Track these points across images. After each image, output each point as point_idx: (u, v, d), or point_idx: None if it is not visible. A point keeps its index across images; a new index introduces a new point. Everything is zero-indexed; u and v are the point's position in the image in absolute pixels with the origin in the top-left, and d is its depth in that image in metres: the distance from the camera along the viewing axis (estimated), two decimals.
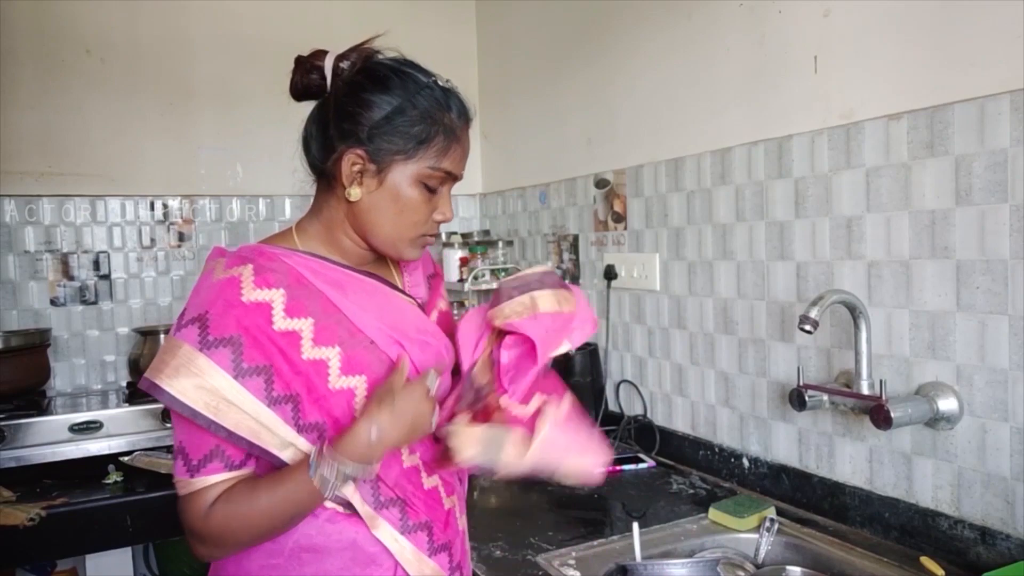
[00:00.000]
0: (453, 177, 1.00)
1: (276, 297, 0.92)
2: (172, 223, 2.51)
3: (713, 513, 1.49)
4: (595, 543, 1.42)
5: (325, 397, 0.93)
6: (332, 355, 0.94)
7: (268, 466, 0.94)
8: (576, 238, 2.33)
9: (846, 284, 1.44)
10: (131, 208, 2.45)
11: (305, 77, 1.01)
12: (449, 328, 1.12)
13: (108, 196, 2.42)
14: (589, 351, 2.13)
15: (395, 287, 1.07)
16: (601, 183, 2.18)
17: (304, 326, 0.93)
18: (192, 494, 0.90)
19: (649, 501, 1.66)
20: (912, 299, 1.33)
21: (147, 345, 2.31)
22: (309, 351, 0.93)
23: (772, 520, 1.39)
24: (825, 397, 1.40)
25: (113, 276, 2.44)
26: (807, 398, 1.39)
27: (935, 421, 1.29)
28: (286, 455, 0.91)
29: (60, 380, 2.37)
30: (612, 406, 2.14)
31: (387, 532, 0.97)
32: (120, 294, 2.45)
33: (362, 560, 0.97)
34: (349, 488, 0.93)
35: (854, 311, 1.33)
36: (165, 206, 2.50)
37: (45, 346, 2.21)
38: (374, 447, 0.89)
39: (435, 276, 1.19)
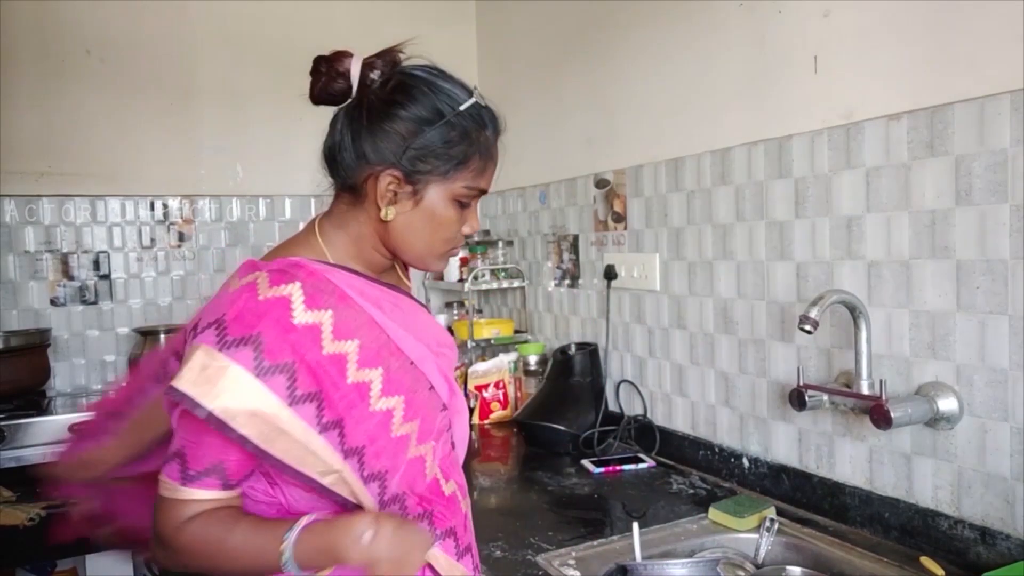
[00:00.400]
0: (482, 192, 1.01)
1: (325, 319, 0.88)
2: (172, 223, 2.51)
3: (713, 513, 1.49)
4: (595, 543, 1.42)
5: (366, 419, 0.91)
6: (375, 376, 0.92)
7: (264, 492, 0.93)
8: (576, 238, 2.33)
9: (846, 284, 1.44)
10: (131, 208, 2.46)
11: (329, 83, 0.96)
12: None
13: (108, 196, 2.42)
14: (589, 351, 2.13)
15: (413, 298, 1.07)
16: (601, 183, 2.18)
17: (351, 348, 0.90)
18: (176, 501, 0.86)
19: (649, 501, 1.66)
20: (912, 299, 1.33)
21: (147, 345, 2.31)
22: (354, 374, 0.90)
23: (772, 520, 1.39)
24: (825, 397, 1.40)
25: (113, 276, 2.44)
26: (807, 398, 1.39)
27: (935, 421, 1.29)
28: (327, 480, 0.88)
29: (60, 380, 2.38)
30: (612, 406, 2.14)
31: None
32: (120, 294, 2.45)
33: None
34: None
35: (854, 311, 1.33)
36: (165, 206, 2.50)
37: (45, 346, 2.21)
38: (361, 549, 0.83)
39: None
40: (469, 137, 0.95)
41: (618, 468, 1.85)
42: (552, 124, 2.43)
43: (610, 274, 2.13)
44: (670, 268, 1.93)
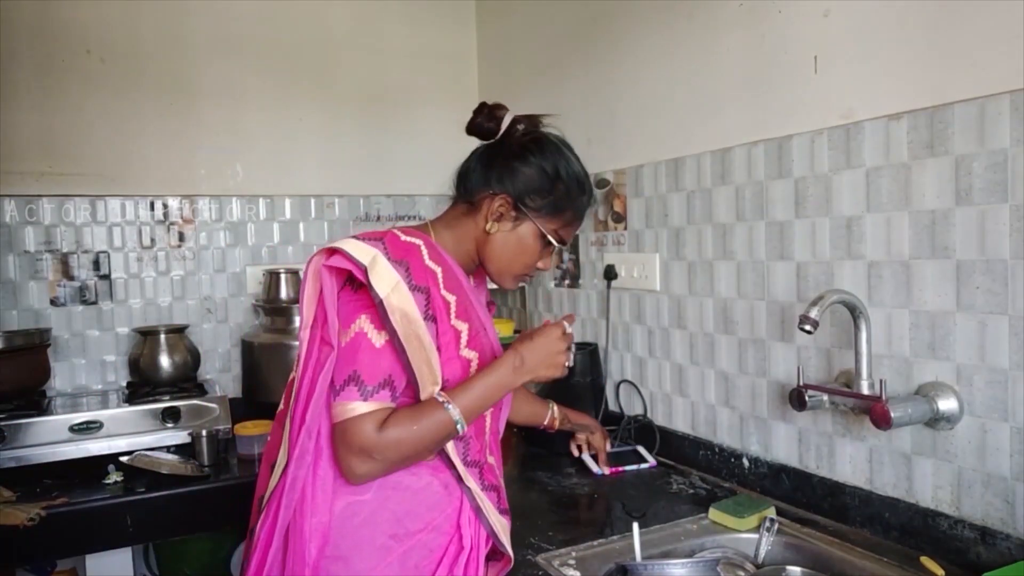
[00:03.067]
0: (563, 241, 1.25)
1: (439, 271, 1.15)
2: (172, 223, 2.51)
3: (713, 513, 1.49)
4: (595, 543, 1.42)
5: (453, 360, 1.14)
6: (464, 328, 1.16)
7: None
8: (576, 238, 2.33)
9: (846, 284, 1.44)
10: (131, 208, 2.45)
11: (486, 123, 1.22)
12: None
13: (108, 196, 2.42)
14: (589, 351, 2.13)
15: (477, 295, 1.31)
16: (601, 183, 2.18)
17: (452, 300, 1.15)
18: (364, 415, 1.05)
19: (649, 501, 1.66)
20: (912, 299, 1.33)
21: (147, 345, 2.31)
22: (454, 320, 1.15)
23: (772, 520, 1.39)
24: (825, 397, 1.40)
25: (113, 276, 2.44)
26: (807, 398, 1.39)
27: (935, 421, 1.29)
28: (425, 393, 1.10)
29: (60, 380, 2.37)
30: (612, 406, 2.14)
31: (474, 484, 1.18)
32: (120, 294, 2.45)
33: (431, 501, 1.16)
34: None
35: (854, 311, 1.33)
36: (165, 206, 2.50)
37: (45, 346, 2.21)
38: (517, 371, 1.16)
39: (491, 304, 1.40)
40: (571, 196, 1.23)
41: (620, 468, 1.85)
42: (552, 124, 2.42)
43: (610, 274, 2.13)
44: (670, 268, 1.93)
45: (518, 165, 1.20)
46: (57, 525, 1.67)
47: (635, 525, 1.29)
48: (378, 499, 1.13)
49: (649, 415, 2.03)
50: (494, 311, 1.43)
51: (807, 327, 1.26)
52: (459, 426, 1.10)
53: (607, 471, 1.82)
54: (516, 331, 2.64)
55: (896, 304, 1.36)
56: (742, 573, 1.37)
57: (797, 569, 1.32)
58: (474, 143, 1.28)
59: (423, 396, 1.10)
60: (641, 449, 1.94)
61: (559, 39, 2.36)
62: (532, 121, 1.24)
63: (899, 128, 1.33)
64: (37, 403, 2.09)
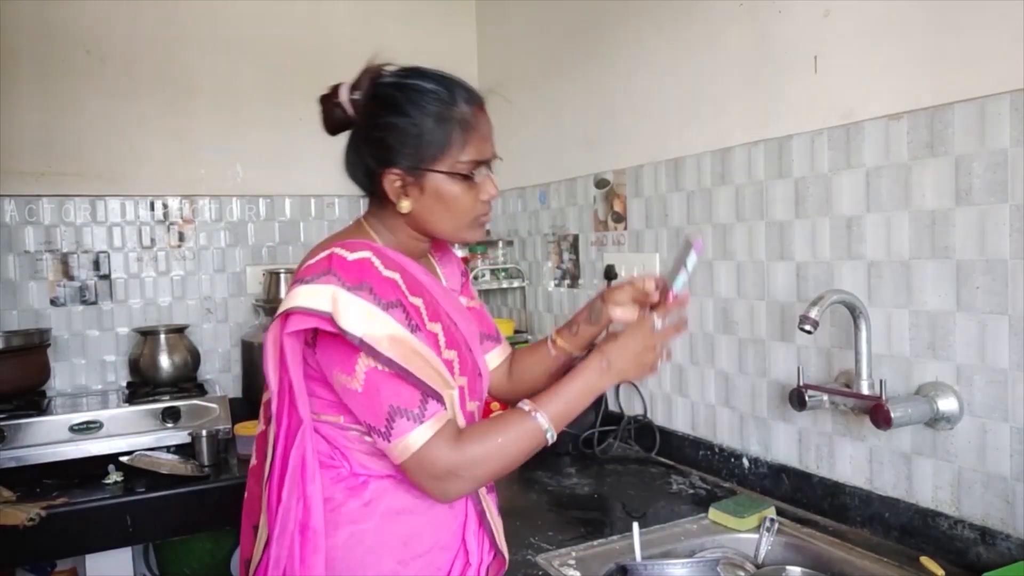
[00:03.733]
0: (483, 161, 1.08)
1: (398, 278, 1.04)
2: (172, 223, 2.51)
3: (713, 513, 1.49)
4: (595, 543, 1.42)
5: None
6: (439, 330, 1.08)
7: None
8: (576, 238, 2.33)
9: (846, 284, 1.44)
10: (131, 208, 2.45)
11: (332, 116, 1.11)
12: (478, 322, 1.26)
13: (108, 196, 2.42)
14: (589, 351, 2.12)
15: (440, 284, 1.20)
16: (601, 183, 2.18)
17: (420, 303, 1.05)
18: (432, 438, 0.98)
19: (649, 501, 1.66)
20: (912, 299, 1.33)
21: (147, 345, 2.31)
22: (428, 324, 1.06)
23: (772, 520, 1.39)
24: (825, 397, 1.40)
25: (113, 276, 2.44)
26: (807, 398, 1.39)
27: (935, 421, 1.29)
28: (446, 397, 1.02)
29: (60, 380, 2.37)
30: (612, 406, 2.14)
31: (481, 489, 1.14)
32: (120, 294, 2.45)
33: (438, 520, 1.11)
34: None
35: (854, 311, 1.33)
36: (165, 206, 2.50)
37: (45, 346, 2.21)
38: (604, 374, 1.09)
39: (464, 275, 1.33)
40: (442, 118, 1.05)
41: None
42: (552, 124, 2.43)
43: (610, 274, 2.13)
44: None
45: (376, 134, 1.06)
46: (57, 525, 1.67)
47: (635, 525, 1.29)
48: (382, 526, 1.07)
49: (649, 415, 2.03)
50: (469, 284, 1.34)
51: (807, 327, 1.26)
52: (549, 435, 1.05)
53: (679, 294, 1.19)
54: (516, 331, 2.64)
55: (896, 304, 1.36)
56: (742, 573, 1.37)
57: (797, 569, 1.32)
58: None
59: (446, 401, 1.02)
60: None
61: (559, 39, 2.36)
62: (368, 78, 1.08)
63: (899, 128, 1.33)
64: (37, 403, 2.09)
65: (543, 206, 2.51)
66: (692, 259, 1.11)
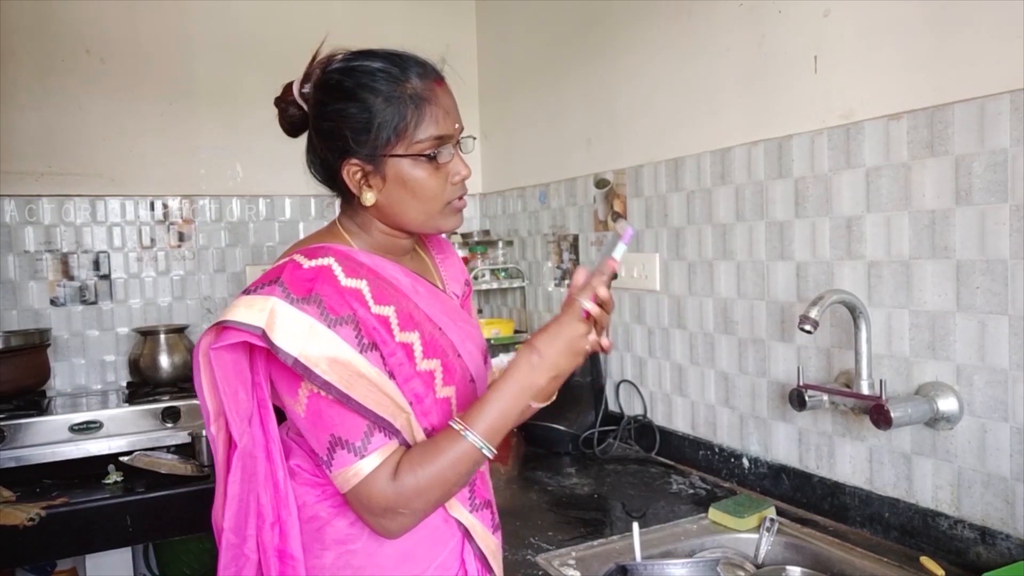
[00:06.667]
0: (447, 138, 0.99)
1: (363, 286, 0.97)
2: (172, 223, 2.51)
3: (713, 513, 1.49)
4: (595, 543, 1.42)
5: (412, 377, 0.99)
6: (415, 339, 1.00)
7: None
8: (576, 238, 2.33)
9: (846, 284, 1.44)
10: (131, 208, 2.45)
11: (287, 116, 1.04)
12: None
13: (108, 196, 2.42)
14: None
15: (430, 282, 1.11)
16: (601, 183, 2.18)
17: (390, 313, 0.98)
18: (370, 475, 0.91)
19: (649, 501, 1.66)
20: (912, 299, 1.33)
21: (147, 345, 2.31)
22: (399, 335, 0.98)
23: (772, 520, 1.39)
24: (825, 397, 1.40)
25: (113, 276, 2.44)
26: (807, 398, 1.39)
27: (935, 421, 1.29)
28: (399, 423, 0.95)
29: (60, 380, 2.37)
30: (612, 406, 2.14)
31: (460, 510, 1.05)
32: (120, 294, 2.45)
33: (433, 537, 1.03)
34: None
35: (854, 311, 1.33)
36: (165, 206, 2.50)
37: (45, 346, 2.21)
38: (536, 369, 0.94)
39: (468, 285, 1.25)
40: (393, 97, 0.96)
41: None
42: (552, 124, 2.43)
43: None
44: (670, 268, 1.93)
45: (327, 124, 0.99)
46: (57, 525, 1.67)
47: (635, 525, 1.29)
48: (370, 546, 1.00)
49: (649, 415, 2.03)
50: (471, 292, 1.26)
51: (807, 327, 1.26)
52: (485, 451, 0.93)
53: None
54: (516, 331, 2.64)
55: (896, 304, 1.36)
56: (742, 573, 1.37)
57: (797, 569, 1.32)
58: None
59: (399, 427, 0.95)
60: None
61: (559, 39, 2.36)
62: (315, 69, 1.02)
63: (899, 128, 1.33)
64: (37, 403, 2.09)
65: (543, 206, 2.51)
66: (620, 249, 1.02)
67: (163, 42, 2.45)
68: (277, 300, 0.90)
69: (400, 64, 0.98)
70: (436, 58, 1.03)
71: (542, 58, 2.47)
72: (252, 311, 0.90)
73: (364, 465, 0.91)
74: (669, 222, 1.92)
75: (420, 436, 0.97)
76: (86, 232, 2.40)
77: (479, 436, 0.93)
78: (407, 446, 0.96)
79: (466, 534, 1.06)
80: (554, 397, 0.99)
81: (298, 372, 0.89)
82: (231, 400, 0.95)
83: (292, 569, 0.98)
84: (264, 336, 0.88)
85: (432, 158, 0.98)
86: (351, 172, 0.99)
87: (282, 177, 2.62)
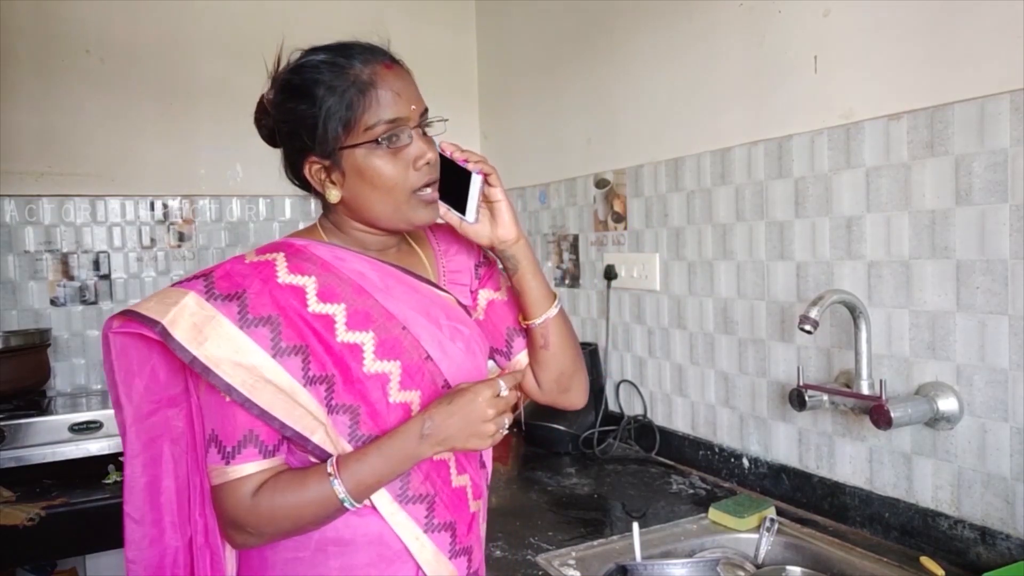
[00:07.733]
0: (402, 120, 0.94)
1: (308, 283, 0.95)
2: (172, 223, 2.51)
3: (713, 513, 1.49)
4: (595, 543, 1.42)
5: (360, 380, 0.94)
6: (366, 339, 0.95)
7: (301, 457, 0.95)
8: (576, 238, 2.33)
9: (846, 284, 1.44)
10: (131, 208, 2.45)
11: (262, 125, 1.04)
12: (505, 317, 1.13)
13: (108, 196, 2.42)
14: (589, 351, 2.13)
15: (422, 278, 1.05)
16: (601, 183, 2.18)
17: (337, 311, 0.95)
18: (231, 483, 0.90)
19: (649, 501, 1.66)
20: (912, 299, 1.33)
21: None
22: (343, 335, 0.94)
23: (772, 520, 1.39)
24: (825, 397, 1.40)
25: (113, 276, 2.44)
26: (807, 398, 1.39)
27: (935, 421, 1.29)
28: (316, 437, 0.92)
29: (60, 380, 2.37)
30: (612, 406, 2.14)
31: (408, 530, 0.97)
32: (120, 294, 2.45)
33: (388, 556, 0.97)
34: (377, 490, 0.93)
35: (854, 311, 1.33)
36: (165, 206, 2.50)
37: (45, 346, 2.21)
38: (424, 441, 0.91)
39: (483, 265, 1.15)
40: (335, 86, 0.93)
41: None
42: (552, 124, 2.43)
43: (610, 274, 2.13)
44: (670, 268, 1.93)
45: (286, 128, 0.98)
46: (57, 525, 1.67)
47: (635, 525, 1.29)
48: (319, 557, 0.95)
49: (649, 415, 2.03)
50: (495, 274, 1.16)
51: (807, 327, 1.26)
52: (346, 503, 0.90)
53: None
54: None
55: (896, 304, 1.36)
56: (742, 573, 1.37)
57: (797, 569, 1.32)
58: None
59: (317, 441, 0.91)
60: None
61: (559, 39, 2.36)
62: (273, 80, 1.00)
63: (899, 128, 1.33)
64: (37, 403, 2.09)
65: (543, 206, 2.51)
66: (475, 186, 0.98)
67: (163, 42, 2.45)
68: (193, 295, 0.89)
69: (345, 52, 0.96)
70: (382, 42, 1.02)
71: (542, 58, 2.47)
72: (162, 305, 0.88)
73: (229, 472, 0.90)
74: (669, 222, 1.92)
75: (344, 448, 0.93)
76: (86, 232, 2.40)
77: (344, 488, 0.89)
78: (324, 458, 0.92)
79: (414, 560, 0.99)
80: (492, 442, 0.94)
81: (196, 371, 0.88)
82: (124, 386, 0.93)
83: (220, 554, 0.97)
84: (164, 333, 0.86)
85: (386, 142, 0.93)
86: (313, 171, 0.98)
87: (282, 177, 2.61)
